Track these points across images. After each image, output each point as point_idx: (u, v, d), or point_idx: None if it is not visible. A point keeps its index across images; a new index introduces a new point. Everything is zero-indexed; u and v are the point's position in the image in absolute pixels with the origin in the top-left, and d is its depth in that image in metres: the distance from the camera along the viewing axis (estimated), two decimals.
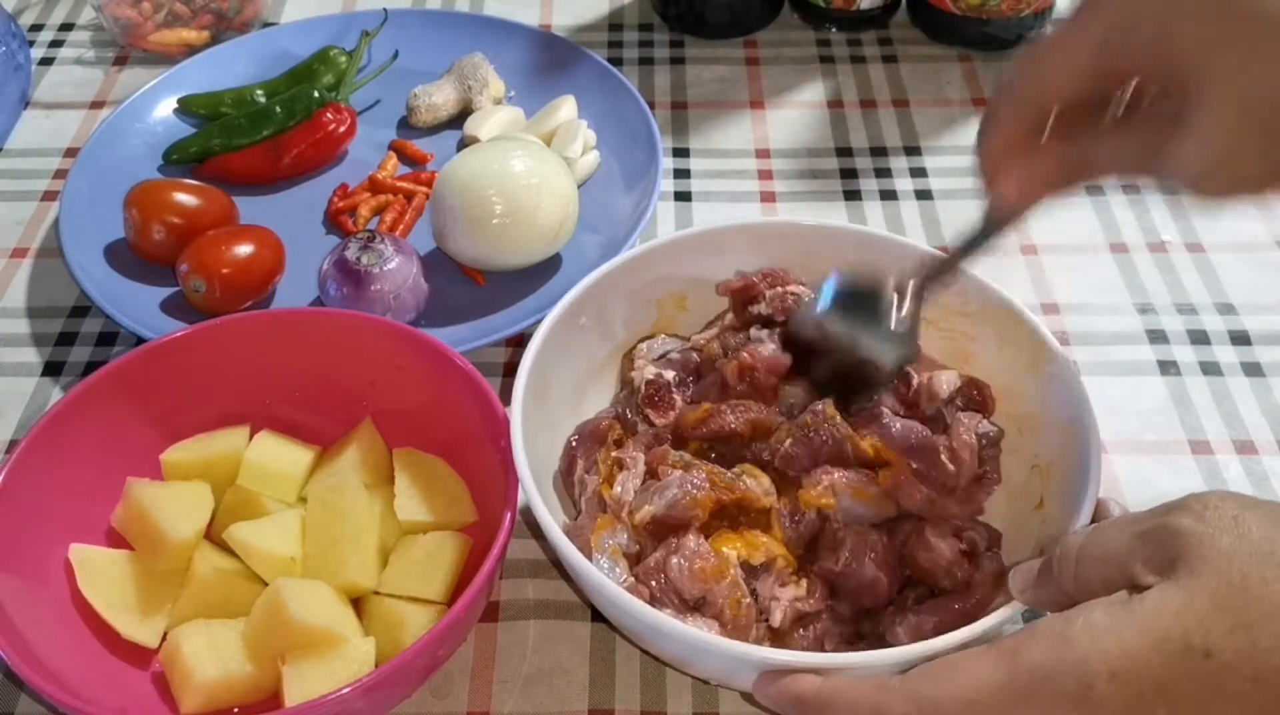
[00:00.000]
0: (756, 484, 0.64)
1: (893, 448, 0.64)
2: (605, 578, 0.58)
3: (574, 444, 0.67)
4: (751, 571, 0.62)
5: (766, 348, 0.68)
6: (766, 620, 0.61)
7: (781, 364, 0.67)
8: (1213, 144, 0.50)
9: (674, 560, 0.60)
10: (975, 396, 0.69)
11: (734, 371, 0.67)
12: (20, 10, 1.16)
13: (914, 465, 0.63)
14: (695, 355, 0.71)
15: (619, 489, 0.64)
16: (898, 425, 0.65)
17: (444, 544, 0.66)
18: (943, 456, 0.63)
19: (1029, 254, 0.90)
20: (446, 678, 0.66)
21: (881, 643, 0.61)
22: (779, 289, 0.70)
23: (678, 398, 0.68)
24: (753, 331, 0.70)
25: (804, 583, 0.63)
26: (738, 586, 0.60)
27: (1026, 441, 0.68)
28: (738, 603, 0.60)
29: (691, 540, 0.61)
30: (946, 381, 0.68)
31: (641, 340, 0.74)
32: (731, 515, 0.64)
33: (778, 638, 0.62)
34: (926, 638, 0.56)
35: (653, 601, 0.59)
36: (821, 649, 0.61)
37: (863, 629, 0.63)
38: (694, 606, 0.60)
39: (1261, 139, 0.49)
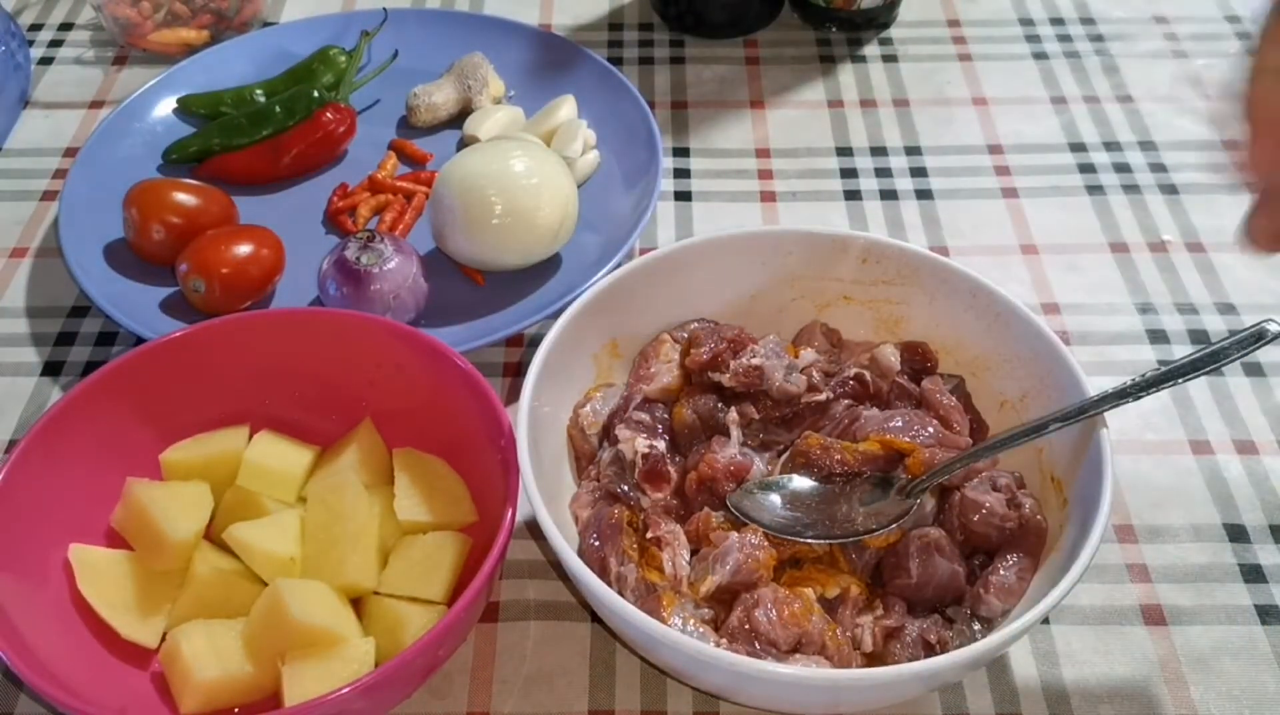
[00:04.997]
0: None
1: (894, 434, 0.66)
2: (715, 648, 0.56)
3: (595, 544, 0.65)
4: (828, 606, 0.62)
5: (725, 453, 0.67)
6: (858, 648, 0.62)
7: (743, 468, 0.66)
8: None
9: (758, 613, 0.60)
10: (918, 357, 0.72)
11: (693, 484, 0.66)
12: (20, 10, 1.15)
13: (920, 436, 0.66)
14: (662, 410, 0.70)
15: (669, 566, 0.63)
16: (881, 415, 0.68)
17: (444, 544, 0.66)
18: (934, 422, 0.67)
19: (1029, 254, 0.90)
20: (446, 678, 0.66)
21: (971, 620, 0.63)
22: (743, 361, 0.69)
23: (672, 471, 0.68)
24: (715, 439, 0.68)
25: (879, 604, 0.63)
26: (826, 619, 0.61)
27: (985, 382, 0.71)
28: (835, 635, 0.61)
29: (768, 590, 0.61)
30: (891, 355, 0.71)
31: (582, 404, 0.72)
32: (793, 559, 0.65)
33: (873, 660, 0.62)
34: (1018, 595, 0.61)
35: (751, 656, 0.59)
36: (927, 651, 0.61)
37: (949, 614, 0.64)
38: (791, 650, 0.60)
39: None
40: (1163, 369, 0.61)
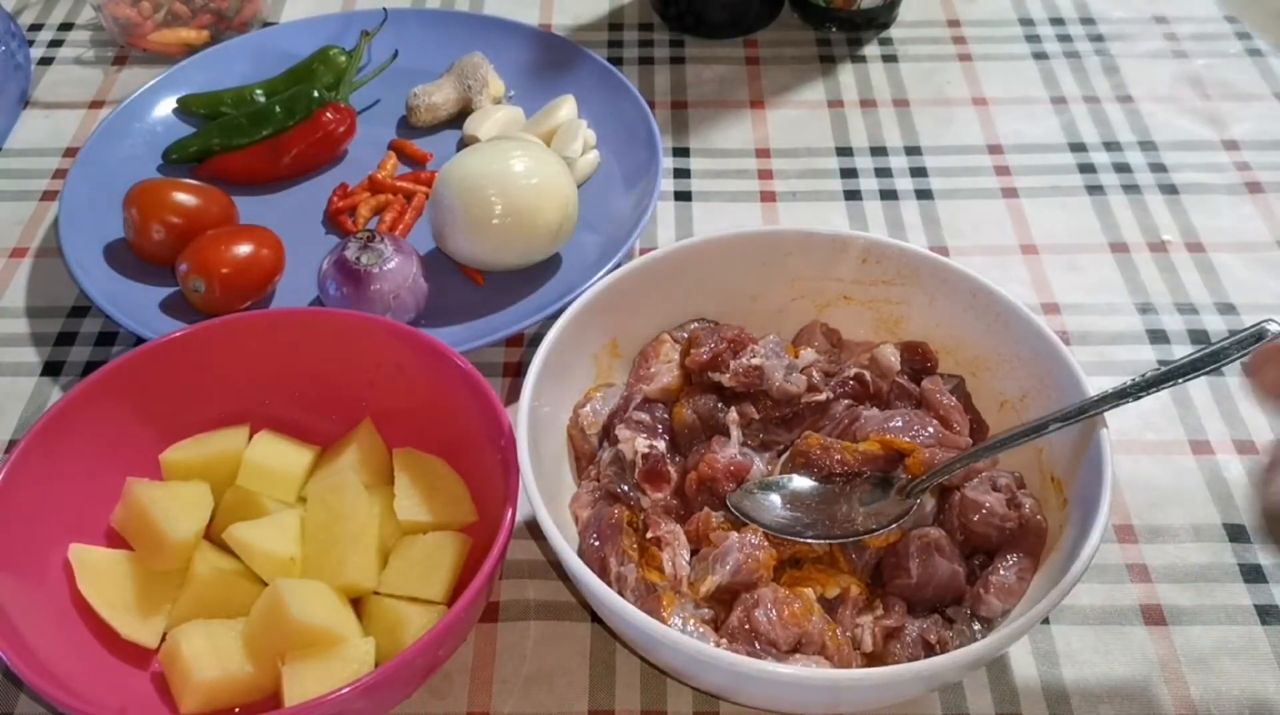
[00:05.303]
0: None
1: (894, 434, 0.66)
2: (714, 648, 0.56)
3: (595, 544, 0.64)
4: (828, 606, 0.62)
5: (725, 453, 0.66)
6: (858, 648, 0.62)
7: (743, 468, 0.66)
8: None
9: (758, 613, 0.60)
10: (918, 357, 0.72)
11: (693, 484, 0.66)
12: (20, 10, 1.15)
13: (920, 436, 0.66)
14: (662, 410, 0.70)
15: (669, 566, 0.63)
16: (881, 415, 0.67)
17: (444, 544, 0.66)
18: (934, 422, 0.67)
19: (1029, 254, 0.90)
20: (446, 678, 0.66)
21: (970, 621, 0.63)
22: (743, 361, 0.69)
23: (672, 471, 0.68)
24: (715, 439, 0.68)
25: (879, 604, 0.63)
26: (826, 619, 0.61)
27: (985, 382, 0.71)
28: (835, 635, 0.61)
29: (768, 591, 0.61)
30: (891, 355, 0.71)
31: (582, 404, 0.72)
32: (793, 559, 0.65)
33: (873, 660, 0.62)
34: (1018, 595, 0.61)
35: (751, 656, 0.58)
36: (927, 651, 0.61)
37: (949, 614, 0.64)
38: (791, 650, 0.60)
39: None
40: (1163, 369, 0.61)
